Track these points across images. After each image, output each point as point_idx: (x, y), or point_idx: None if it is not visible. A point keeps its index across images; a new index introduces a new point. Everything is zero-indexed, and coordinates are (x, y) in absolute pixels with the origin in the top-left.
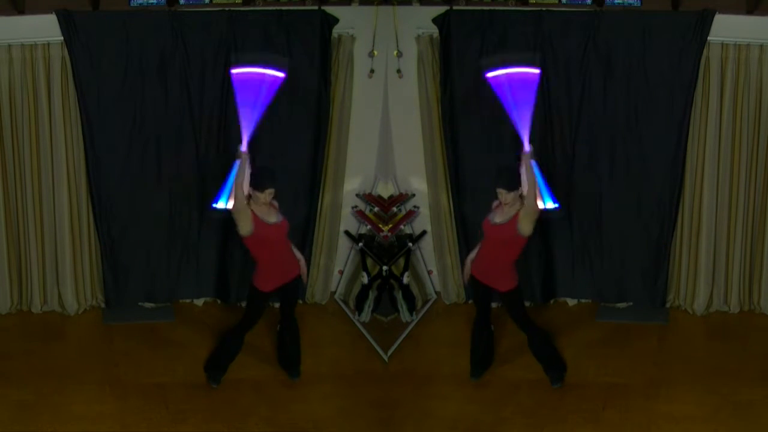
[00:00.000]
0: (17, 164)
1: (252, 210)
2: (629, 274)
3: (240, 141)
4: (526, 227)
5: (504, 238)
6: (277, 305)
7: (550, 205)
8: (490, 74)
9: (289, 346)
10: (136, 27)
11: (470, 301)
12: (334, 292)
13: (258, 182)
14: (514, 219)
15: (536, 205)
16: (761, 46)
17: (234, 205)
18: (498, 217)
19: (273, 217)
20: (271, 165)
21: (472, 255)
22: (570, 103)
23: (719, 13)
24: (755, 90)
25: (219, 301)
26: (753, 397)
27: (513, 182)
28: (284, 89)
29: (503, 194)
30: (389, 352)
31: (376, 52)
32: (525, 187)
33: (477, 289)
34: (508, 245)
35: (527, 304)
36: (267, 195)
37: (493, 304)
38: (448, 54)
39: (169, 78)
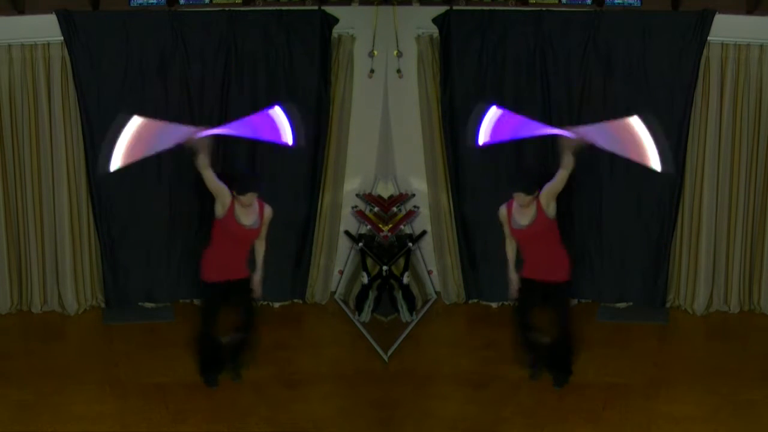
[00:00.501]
0: (17, 164)
1: (233, 202)
2: (629, 274)
3: (239, 142)
4: (552, 207)
5: (541, 230)
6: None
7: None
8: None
9: (235, 350)
10: (136, 27)
11: (474, 303)
12: (334, 292)
13: (239, 187)
14: (539, 210)
15: (560, 185)
16: (761, 46)
17: (209, 184)
18: (523, 219)
19: (248, 220)
20: (271, 163)
21: (513, 265)
22: (570, 103)
23: (719, 13)
24: (755, 90)
25: None
26: (753, 397)
27: (532, 186)
28: (284, 89)
29: (521, 197)
30: (389, 352)
31: (376, 52)
32: (562, 171)
33: (531, 291)
34: (547, 233)
35: None
36: (248, 198)
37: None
38: (448, 54)
39: (169, 78)
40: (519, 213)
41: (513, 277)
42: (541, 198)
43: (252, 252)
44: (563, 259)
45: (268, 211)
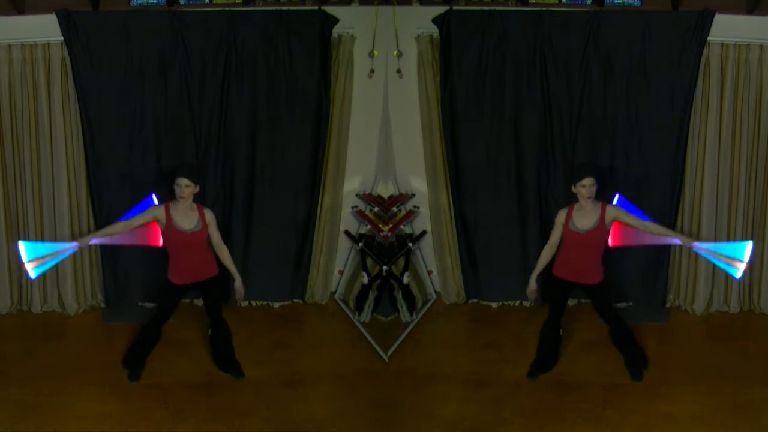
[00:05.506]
0: (17, 164)
1: (167, 210)
2: (629, 274)
3: (239, 142)
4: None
5: (596, 242)
6: (277, 305)
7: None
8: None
9: (220, 347)
10: (136, 27)
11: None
12: (334, 292)
13: (179, 172)
14: (602, 218)
15: (641, 228)
16: (761, 46)
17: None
18: (583, 224)
19: (187, 224)
20: (271, 163)
21: (538, 272)
22: (570, 103)
23: (719, 13)
24: (755, 90)
25: None
26: (753, 397)
27: (593, 173)
28: (284, 89)
29: (588, 186)
30: (389, 352)
31: (376, 52)
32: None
33: (562, 290)
34: (599, 244)
35: (527, 304)
36: (182, 187)
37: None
38: (448, 54)
39: (169, 78)
40: (580, 216)
41: (534, 284)
42: (612, 210)
43: (213, 250)
44: (599, 266)
45: (208, 214)
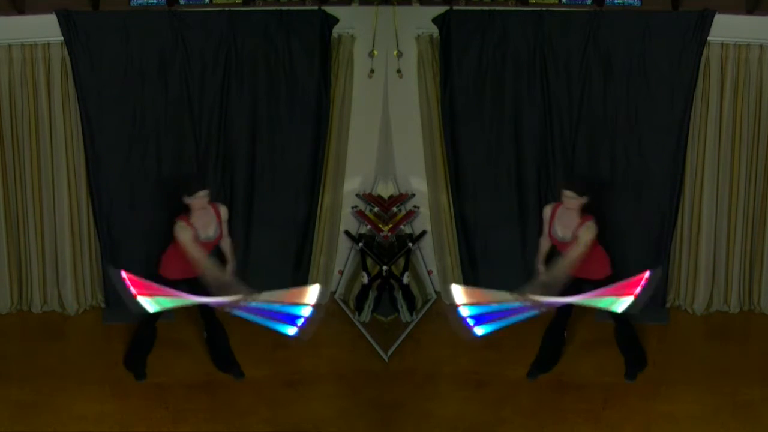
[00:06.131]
0: (17, 164)
1: (192, 225)
2: (629, 274)
3: (239, 142)
4: (584, 240)
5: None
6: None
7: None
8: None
9: (218, 348)
10: (136, 27)
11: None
12: (334, 292)
13: (187, 190)
14: (575, 239)
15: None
16: (761, 46)
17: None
18: (562, 232)
19: (207, 232)
20: (271, 163)
21: (542, 258)
22: (570, 103)
23: (719, 13)
24: (755, 90)
25: None
26: (753, 397)
27: (583, 190)
28: (284, 89)
29: (569, 198)
30: (389, 352)
31: (376, 52)
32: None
33: (571, 289)
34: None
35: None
36: (200, 201)
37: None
38: (448, 54)
39: (169, 78)
40: (561, 224)
41: (541, 267)
42: (581, 230)
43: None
44: (601, 258)
45: (223, 211)
